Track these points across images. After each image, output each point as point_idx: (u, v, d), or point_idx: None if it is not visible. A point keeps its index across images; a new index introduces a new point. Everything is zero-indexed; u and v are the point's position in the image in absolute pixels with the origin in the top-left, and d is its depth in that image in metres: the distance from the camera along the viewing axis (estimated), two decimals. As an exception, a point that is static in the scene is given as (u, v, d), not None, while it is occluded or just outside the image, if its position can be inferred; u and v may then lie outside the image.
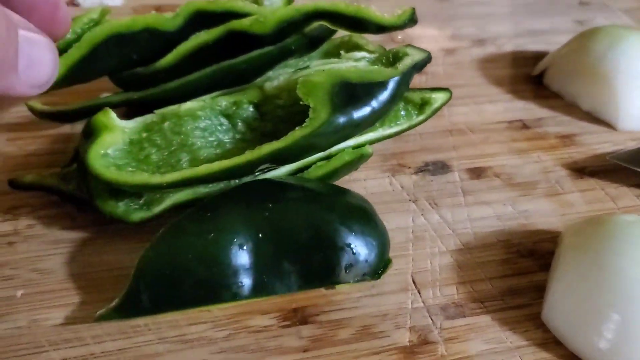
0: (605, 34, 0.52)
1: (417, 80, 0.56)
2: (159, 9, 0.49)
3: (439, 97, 0.45)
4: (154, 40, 0.42)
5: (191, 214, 0.36)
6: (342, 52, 0.48)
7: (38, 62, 0.29)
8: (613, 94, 0.51)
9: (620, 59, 0.50)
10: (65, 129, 0.48)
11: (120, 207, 0.38)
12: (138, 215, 0.38)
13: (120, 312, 0.34)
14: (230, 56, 0.43)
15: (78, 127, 0.48)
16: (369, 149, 0.42)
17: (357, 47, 0.50)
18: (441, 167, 0.47)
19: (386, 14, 0.43)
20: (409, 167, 0.46)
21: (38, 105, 0.45)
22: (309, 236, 0.36)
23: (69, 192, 0.40)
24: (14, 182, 0.41)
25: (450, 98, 0.46)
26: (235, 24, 0.42)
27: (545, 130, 0.51)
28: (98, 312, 0.34)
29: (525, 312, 0.37)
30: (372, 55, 0.45)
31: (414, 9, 0.44)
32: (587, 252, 0.36)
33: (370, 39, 0.52)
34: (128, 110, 0.46)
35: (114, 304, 0.34)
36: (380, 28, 0.43)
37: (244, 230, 0.36)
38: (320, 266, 0.36)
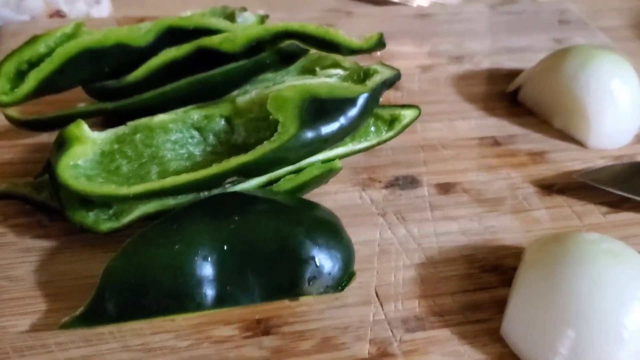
0: (577, 54, 0.53)
1: (392, 96, 0.57)
2: (142, 20, 0.50)
3: (407, 114, 0.46)
4: (125, 55, 0.43)
5: (157, 225, 0.37)
6: (317, 68, 0.49)
7: None
8: (584, 112, 0.52)
9: (590, 79, 0.51)
10: (42, 138, 0.49)
11: (90, 217, 0.39)
12: (107, 226, 0.39)
13: (84, 320, 0.35)
14: (200, 72, 0.44)
15: (54, 137, 0.49)
16: (338, 163, 0.43)
17: (334, 64, 0.50)
18: (411, 182, 0.48)
19: (357, 37, 0.44)
20: (379, 182, 0.47)
21: (15, 113, 0.46)
22: (274, 249, 0.37)
23: (41, 202, 0.41)
24: None
25: (418, 115, 0.47)
26: (205, 41, 0.43)
27: (517, 147, 0.52)
28: (63, 320, 0.35)
29: (484, 326, 0.38)
30: (345, 72, 0.46)
31: (381, 34, 0.45)
32: (546, 268, 0.37)
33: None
34: (104, 120, 0.46)
35: (78, 312, 0.35)
36: (349, 51, 0.44)
37: (209, 242, 0.36)
38: (283, 278, 0.37)
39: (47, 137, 0.49)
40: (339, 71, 0.47)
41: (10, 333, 0.35)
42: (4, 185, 0.41)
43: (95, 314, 0.35)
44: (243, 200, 0.39)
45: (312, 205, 0.40)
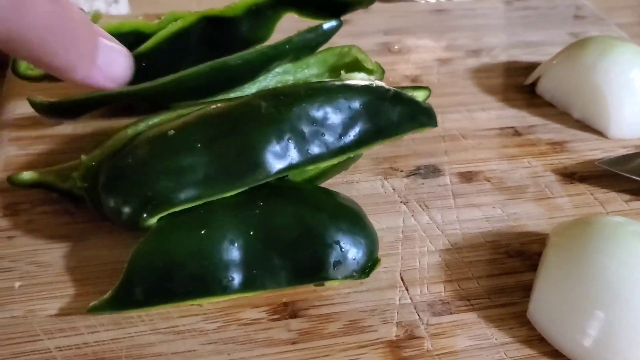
0: (596, 44, 0.53)
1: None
2: (159, 18, 0.51)
3: (418, 95, 0.46)
4: (141, 40, 0.46)
5: (184, 212, 0.37)
6: (342, 71, 0.50)
7: (114, 62, 0.39)
8: (603, 102, 0.52)
9: (610, 69, 0.51)
10: (66, 129, 0.49)
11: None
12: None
13: (112, 304, 0.35)
14: (207, 44, 0.46)
15: (79, 128, 0.49)
16: None
17: (356, 63, 0.51)
18: (432, 171, 0.48)
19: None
20: (401, 171, 0.47)
21: (38, 98, 0.47)
22: (299, 233, 0.37)
23: (65, 190, 0.41)
24: (13, 179, 0.42)
25: (429, 95, 0.47)
26: (208, 11, 0.47)
27: (537, 137, 0.52)
28: (91, 304, 0.35)
29: (511, 310, 0.38)
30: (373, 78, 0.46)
31: None
32: (573, 251, 0.37)
33: (367, 47, 0.53)
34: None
35: (107, 296, 0.35)
36: (342, 6, 0.47)
37: (235, 226, 0.37)
38: (309, 263, 0.37)
39: (71, 129, 0.49)
40: (363, 75, 0.48)
41: (40, 316, 0.35)
42: (28, 174, 0.42)
43: (124, 298, 0.35)
44: (266, 189, 0.39)
45: (333, 194, 0.41)
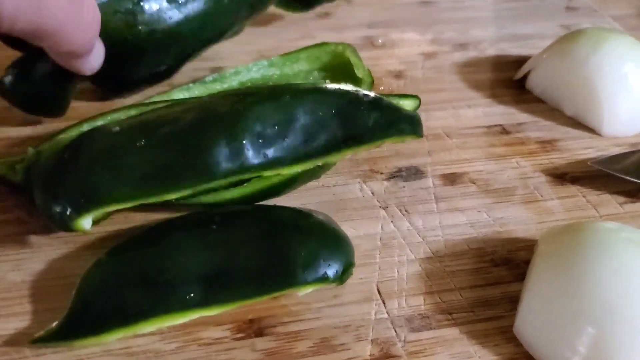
0: (589, 36, 0.50)
1: (395, 85, 0.54)
2: None
3: (407, 104, 0.43)
4: None
5: (135, 236, 0.36)
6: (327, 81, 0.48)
7: (98, 53, 0.40)
8: (596, 98, 0.49)
9: (603, 62, 0.48)
10: (26, 131, 0.46)
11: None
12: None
13: (60, 334, 0.32)
14: None
15: (38, 129, 0.46)
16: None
17: (347, 66, 0.49)
18: (414, 173, 0.45)
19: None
20: (381, 173, 0.44)
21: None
22: (261, 243, 0.35)
23: (15, 183, 0.39)
24: None
25: (419, 106, 0.44)
26: None
27: (526, 135, 0.49)
28: (36, 335, 0.32)
29: (496, 324, 0.35)
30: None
31: None
32: (562, 260, 0.34)
33: (349, 41, 0.51)
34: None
35: (54, 326, 0.32)
36: None
37: (190, 244, 0.34)
38: (275, 269, 0.34)
39: (30, 131, 0.46)
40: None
41: (-17, 337, 0.32)
42: None
43: (72, 327, 0.32)
44: (220, 210, 0.37)
45: (294, 208, 0.38)
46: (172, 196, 0.36)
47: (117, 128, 0.36)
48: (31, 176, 0.37)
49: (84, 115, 0.43)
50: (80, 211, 0.34)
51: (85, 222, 0.35)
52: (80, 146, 0.36)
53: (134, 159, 0.35)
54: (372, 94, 0.40)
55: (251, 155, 0.36)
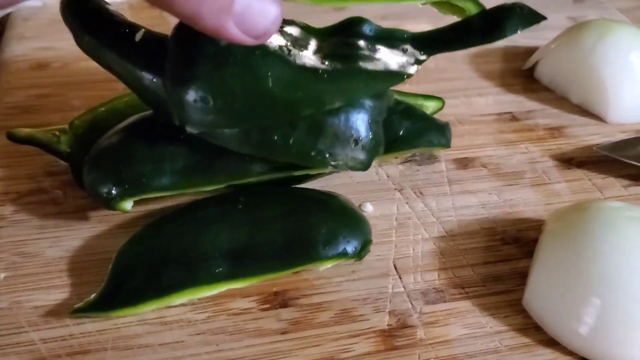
0: (595, 27, 0.52)
1: (408, 74, 0.56)
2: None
3: (430, 106, 0.45)
4: None
5: (166, 215, 0.38)
6: None
7: (257, 11, 0.28)
8: (602, 86, 0.51)
9: (609, 51, 0.50)
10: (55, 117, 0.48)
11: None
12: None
13: (98, 306, 0.34)
14: None
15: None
16: None
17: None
18: (428, 158, 0.47)
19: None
20: (396, 157, 0.46)
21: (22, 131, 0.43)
22: (284, 221, 0.37)
23: (58, 151, 0.41)
24: (12, 132, 0.42)
25: (442, 107, 0.46)
26: None
27: (535, 122, 0.51)
28: (76, 306, 0.34)
29: (506, 298, 0.37)
30: None
31: None
32: (569, 237, 0.36)
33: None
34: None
35: (92, 298, 0.34)
36: None
37: (218, 221, 0.37)
38: (297, 245, 0.36)
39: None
40: None
41: (25, 308, 0.35)
42: (27, 131, 0.42)
43: (109, 299, 0.34)
44: (246, 191, 0.40)
45: (314, 190, 0.41)
46: (207, 188, 0.38)
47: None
48: (79, 152, 0.39)
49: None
50: (124, 196, 0.37)
51: (127, 205, 0.38)
52: (130, 133, 0.38)
53: (176, 150, 0.37)
54: (406, 101, 0.42)
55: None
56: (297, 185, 0.41)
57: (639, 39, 0.52)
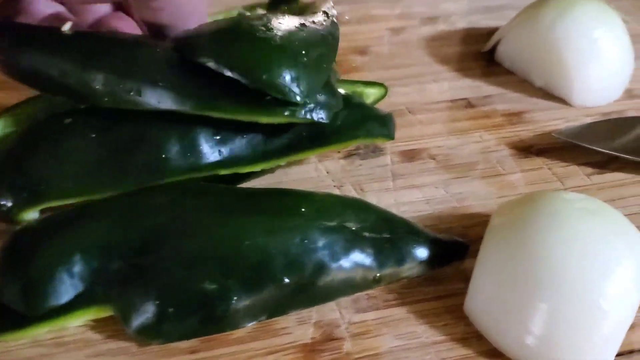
0: (556, 1, 0.48)
1: (360, 61, 0.52)
2: None
3: (371, 93, 0.42)
4: None
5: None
6: None
7: None
8: (565, 66, 0.47)
9: (571, 28, 0.46)
10: None
11: None
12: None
13: None
14: None
15: None
16: None
17: None
18: (372, 151, 0.43)
19: None
20: (338, 152, 0.43)
21: None
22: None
23: None
24: None
25: (385, 95, 0.43)
26: None
27: (492, 108, 0.47)
28: None
29: (446, 303, 0.33)
30: None
31: None
32: (513, 233, 0.32)
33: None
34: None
35: None
36: None
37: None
38: None
39: None
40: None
41: None
42: None
43: None
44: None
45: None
46: (120, 191, 0.34)
47: (70, 119, 0.34)
48: None
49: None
50: (23, 206, 0.33)
51: (31, 215, 0.34)
52: (29, 137, 0.35)
53: (78, 152, 0.34)
54: (341, 90, 0.38)
55: (205, 153, 0.34)
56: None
57: (605, 14, 0.48)
